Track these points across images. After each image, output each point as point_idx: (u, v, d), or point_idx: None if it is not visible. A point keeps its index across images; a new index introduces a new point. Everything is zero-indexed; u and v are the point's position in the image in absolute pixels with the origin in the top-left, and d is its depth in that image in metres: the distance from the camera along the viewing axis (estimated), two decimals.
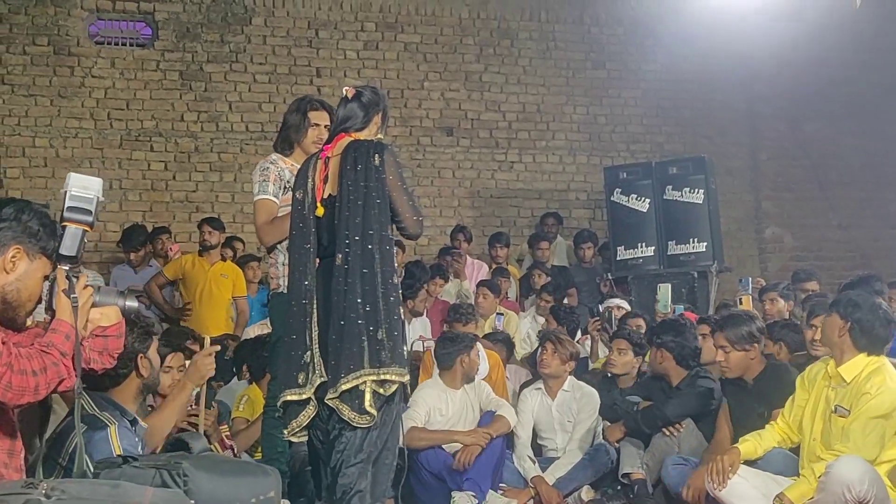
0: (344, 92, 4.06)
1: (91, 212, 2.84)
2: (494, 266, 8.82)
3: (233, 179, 9.64)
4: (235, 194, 9.59)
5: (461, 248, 8.75)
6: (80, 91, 9.41)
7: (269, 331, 6.25)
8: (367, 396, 3.61)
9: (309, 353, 3.76)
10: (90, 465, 2.92)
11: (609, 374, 5.85)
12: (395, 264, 3.87)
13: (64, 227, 2.81)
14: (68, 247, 2.79)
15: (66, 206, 2.82)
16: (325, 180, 3.90)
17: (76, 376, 2.63)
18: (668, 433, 5.13)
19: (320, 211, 3.87)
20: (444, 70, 10.35)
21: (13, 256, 2.66)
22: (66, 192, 2.85)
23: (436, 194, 10.14)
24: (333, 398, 3.64)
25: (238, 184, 9.58)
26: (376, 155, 3.80)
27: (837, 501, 3.86)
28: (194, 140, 9.63)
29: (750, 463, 4.32)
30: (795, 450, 4.39)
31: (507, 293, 8.39)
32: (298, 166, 4.84)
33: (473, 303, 7.44)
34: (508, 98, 10.51)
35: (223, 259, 8.14)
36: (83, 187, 2.86)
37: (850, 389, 4.14)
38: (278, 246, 4.76)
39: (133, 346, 3.43)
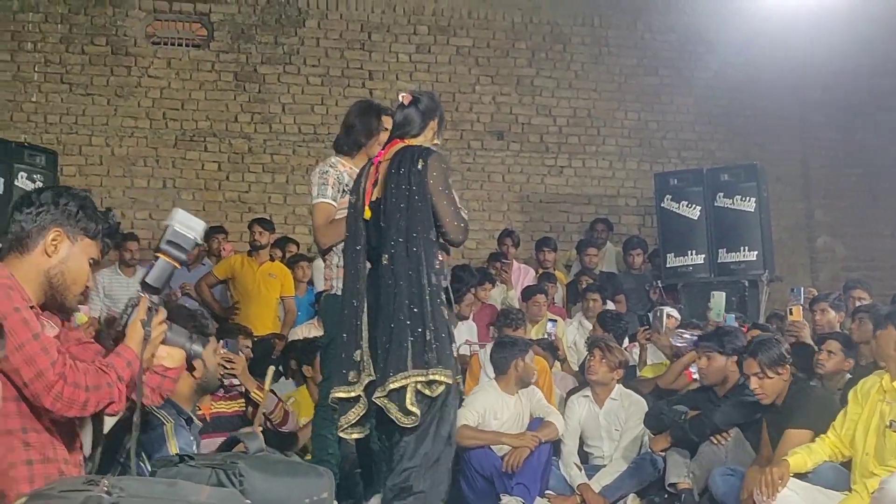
0: (400, 98, 4.08)
1: (187, 251, 2.85)
2: (541, 271, 8.81)
3: (285, 181, 9.74)
4: (287, 196, 9.69)
5: (508, 252, 8.74)
6: (136, 91, 9.57)
7: (318, 332, 6.35)
8: (409, 395, 3.63)
9: (359, 351, 3.80)
10: (146, 463, 2.98)
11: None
12: (441, 267, 3.90)
13: (157, 258, 2.83)
14: (155, 278, 2.81)
15: (165, 238, 2.82)
16: (375, 184, 3.95)
17: (136, 404, 2.67)
18: (715, 442, 5.09)
19: (367, 214, 3.92)
20: (496, 74, 10.36)
21: (53, 239, 2.66)
22: (169, 225, 2.86)
23: (485, 198, 10.15)
24: (381, 397, 3.68)
25: (290, 185, 9.68)
26: (420, 159, 3.83)
27: None
28: (248, 141, 9.74)
29: (800, 476, 4.27)
30: (847, 464, 4.34)
31: (553, 299, 8.37)
32: (357, 169, 4.92)
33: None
34: (559, 103, 10.50)
35: (272, 259, 8.21)
36: (187, 226, 2.86)
37: None
38: (334, 248, 4.82)
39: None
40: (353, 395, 3.80)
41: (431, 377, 3.65)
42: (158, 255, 2.83)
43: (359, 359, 3.79)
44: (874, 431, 4.19)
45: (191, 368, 3.50)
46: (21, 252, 2.66)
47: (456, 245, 4.06)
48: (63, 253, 2.68)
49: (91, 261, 2.75)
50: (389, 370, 3.67)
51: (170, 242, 2.82)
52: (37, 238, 2.66)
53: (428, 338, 3.66)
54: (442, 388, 3.68)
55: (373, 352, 3.79)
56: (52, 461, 2.56)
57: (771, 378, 4.67)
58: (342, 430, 3.87)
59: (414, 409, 3.63)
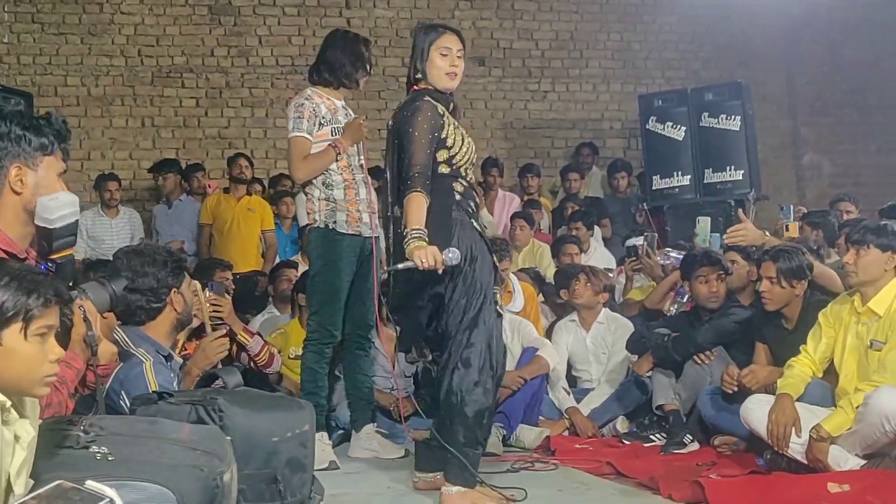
0: None
1: (73, 235, 2.62)
2: (526, 197, 8.76)
3: (264, 115, 9.61)
4: (267, 129, 9.58)
5: (495, 182, 8.67)
6: (109, 28, 9.37)
7: (304, 267, 6.32)
8: None
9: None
10: (126, 401, 2.96)
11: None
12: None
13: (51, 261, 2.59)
14: (65, 275, 2.60)
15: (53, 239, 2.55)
16: None
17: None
18: (698, 362, 5.09)
19: None
20: None
21: (16, 175, 2.54)
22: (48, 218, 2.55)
23: (468, 126, 10.00)
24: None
25: (270, 119, 9.56)
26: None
27: (876, 432, 3.81)
28: (225, 75, 9.60)
29: None
30: (832, 379, 4.34)
31: (540, 225, 8.34)
32: (335, 101, 4.86)
33: (505, 236, 7.38)
34: (541, 26, 10.33)
35: (249, 194, 8.14)
36: (51, 211, 2.55)
37: (884, 321, 4.06)
38: (314, 181, 4.77)
39: (166, 280, 3.44)
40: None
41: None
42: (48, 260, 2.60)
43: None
44: (853, 352, 4.16)
45: (173, 304, 3.45)
46: None
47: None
48: (31, 183, 2.56)
49: (60, 174, 2.63)
50: None
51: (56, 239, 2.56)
52: (2, 182, 2.55)
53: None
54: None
55: None
56: None
57: (783, 287, 4.59)
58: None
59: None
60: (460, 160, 3.88)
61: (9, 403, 2.03)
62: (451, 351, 3.71)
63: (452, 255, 3.60)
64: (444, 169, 3.85)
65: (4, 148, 2.55)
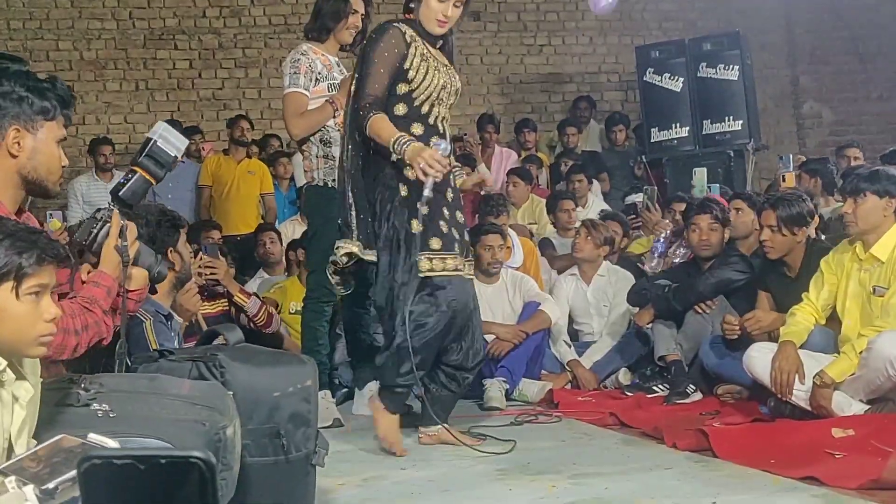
0: None
1: (166, 168, 2.69)
2: (524, 153, 8.70)
3: (258, 75, 9.57)
4: (262, 90, 9.53)
5: (491, 138, 8.60)
6: None
7: (303, 228, 6.30)
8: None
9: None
10: (128, 361, 2.93)
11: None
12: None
13: (133, 172, 2.67)
14: (130, 194, 2.65)
15: (145, 152, 2.66)
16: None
17: (119, 331, 2.56)
18: (699, 311, 5.07)
19: None
20: None
21: (14, 138, 2.45)
22: (151, 139, 2.69)
23: (464, 82, 9.87)
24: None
25: (264, 79, 9.51)
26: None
27: (880, 377, 3.82)
28: (218, 36, 9.53)
29: None
30: (834, 326, 4.33)
31: (538, 180, 8.30)
32: (330, 56, 4.79)
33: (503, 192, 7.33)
34: None
35: (248, 157, 8.10)
36: (169, 142, 2.69)
37: (886, 267, 4.04)
38: (311, 138, 4.72)
39: (163, 239, 3.42)
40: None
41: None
42: (136, 168, 2.67)
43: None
44: (855, 298, 4.15)
45: (153, 291, 3.42)
46: None
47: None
48: (28, 147, 2.47)
49: (59, 140, 2.55)
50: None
51: (149, 157, 2.67)
52: None
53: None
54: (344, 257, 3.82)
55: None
56: None
57: (784, 235, 4.54)
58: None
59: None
60: (421, 95, 3.77)
61: (4, 364, 2.00)
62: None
63: (443, 148, 3.57)
64: (399, 109, 3.76)
65: (5, 108, 2.46)
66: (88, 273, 2.61)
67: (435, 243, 3.75)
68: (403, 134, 3.60)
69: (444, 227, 3.79)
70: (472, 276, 4.02)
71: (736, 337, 4.63)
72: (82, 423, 2.11)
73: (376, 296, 3.86)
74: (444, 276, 3.77)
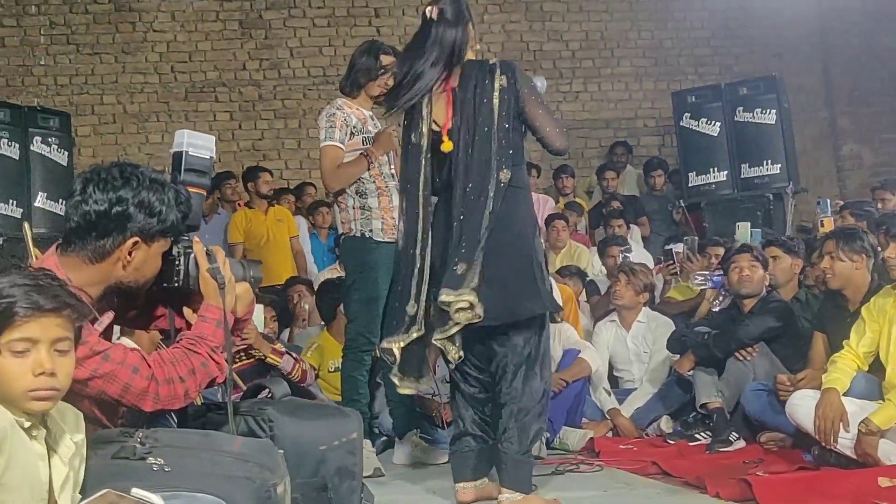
0: (427, 14, 3.74)
1: (207, 174, 2.56)
2: (562, 199, 8.73)
3: (297, 126, 9.71)
4: (301, 140, 9.67)
5: (532, 184, 8.61)
6: (142, 46, 9.54)
7: (341, 275, 6.33)
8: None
9: (415, 305, 3.62)
10: (173, 415, 2.97)
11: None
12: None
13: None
14: (192, 216, 2.47)
15: (183, 167, 2.52)
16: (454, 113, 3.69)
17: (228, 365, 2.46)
18: (740, 358, 5.04)
19: (448, 146, 3.67)
20: (504, 2, 10.20)
21: (130, 249, 2.34)
22: (181, 152, 2.55)
23: None
24: (440, 339, 3.53)
25: (303, 129, 9.65)
26: (503, 75, 3.63)
27: None
28: (258, 88, 9.71)
29: None
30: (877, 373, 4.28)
31: (576, 226, 8.32)
32: (363, 111, 4.87)
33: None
34: (571, 27, 10.33)
35: (271, 204, 8.10)
36: (199, 147, 2.57)
37: None
38: (347, 190, 4.79)
39: None
40: (401, 345, 3.61)
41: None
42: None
43: (413, 312, 3.62)
44: None
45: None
46: (91, 262, 2.35)
47: (561, 153, 4.06)
48: (139, 259, 2.37)
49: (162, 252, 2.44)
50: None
51: (188, 170, 2.54)
52: (112, 249, 2.35)
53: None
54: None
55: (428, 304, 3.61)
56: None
57: (843, 261, 4.48)
58: (396, 378, 3.69)
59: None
60: None
61: (27, 423, 1.99)
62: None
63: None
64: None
65: (135, 218, 2.34)
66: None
67: None
68: None
69: None
70: None
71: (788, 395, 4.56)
72: (137, 477, 2.14)
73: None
74: None
